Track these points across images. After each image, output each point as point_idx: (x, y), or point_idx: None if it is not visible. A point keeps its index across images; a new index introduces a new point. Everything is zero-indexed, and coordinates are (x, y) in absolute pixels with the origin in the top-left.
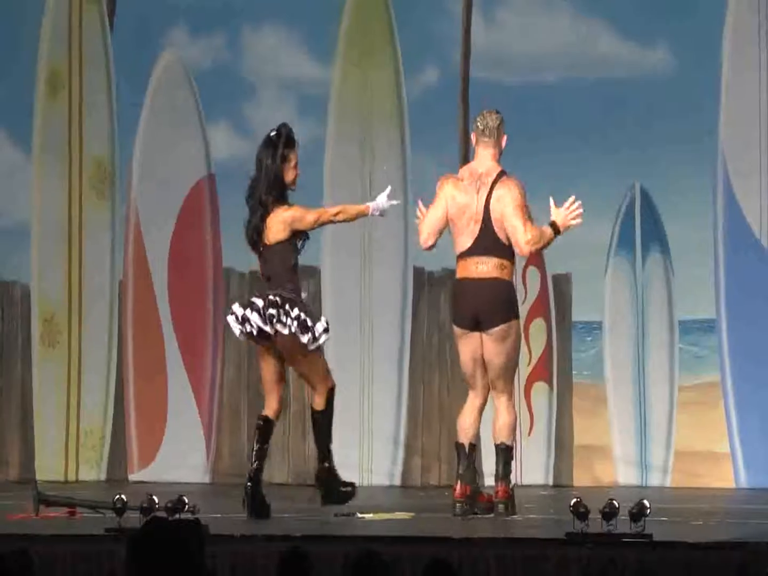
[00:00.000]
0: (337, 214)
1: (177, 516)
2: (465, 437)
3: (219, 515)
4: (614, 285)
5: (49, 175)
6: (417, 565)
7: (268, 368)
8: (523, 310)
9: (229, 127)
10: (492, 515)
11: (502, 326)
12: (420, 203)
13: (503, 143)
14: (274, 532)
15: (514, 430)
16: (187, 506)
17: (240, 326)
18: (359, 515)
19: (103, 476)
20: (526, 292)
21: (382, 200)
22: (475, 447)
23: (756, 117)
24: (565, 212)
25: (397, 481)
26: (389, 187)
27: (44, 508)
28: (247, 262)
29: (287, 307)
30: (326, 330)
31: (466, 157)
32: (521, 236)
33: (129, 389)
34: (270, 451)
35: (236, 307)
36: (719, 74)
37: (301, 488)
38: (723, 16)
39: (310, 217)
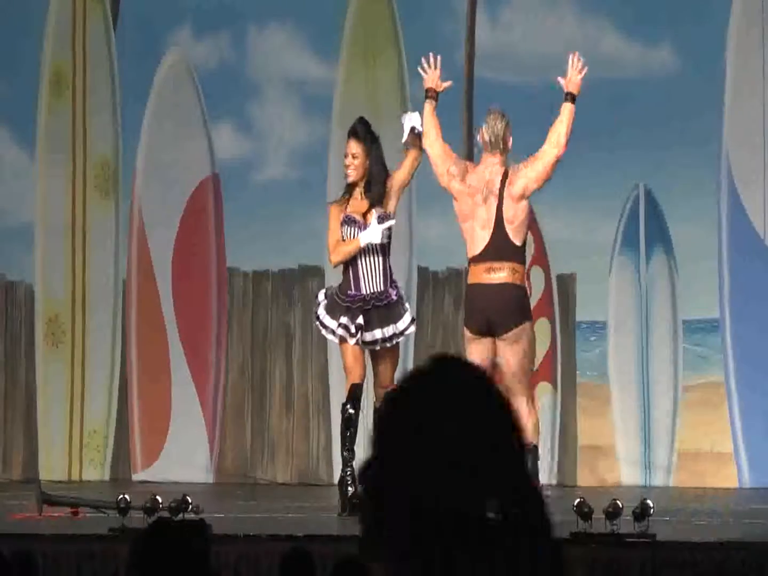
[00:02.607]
0: (337, 257)
1: (181, 516)
2: None
3: (223, 515)
4: (618, 285)
5: (53, 174)
6: None
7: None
8: None
9: (234, 126)
10: None
11: (515, 330)
12: (427, 61)
13: (509, 145)
14: (278, 532)
15: (538, 430)
16: (190, 506)
17: None
18: None
19: (106, 476)
20: (530, 292)
21: (373, 229)
22: None
23: (760, 118)
24: (572, 73)
25: None
26: (374, 213)
27: (48, 508)
28: (251, 261)
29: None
30: (331, 331)
31: (470, 157)
32: (553, 155)
33: (133, 389)
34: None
35: None
36: (724, 76)
37: (304, 488)
38: (728, 18)
39: (330, 229)
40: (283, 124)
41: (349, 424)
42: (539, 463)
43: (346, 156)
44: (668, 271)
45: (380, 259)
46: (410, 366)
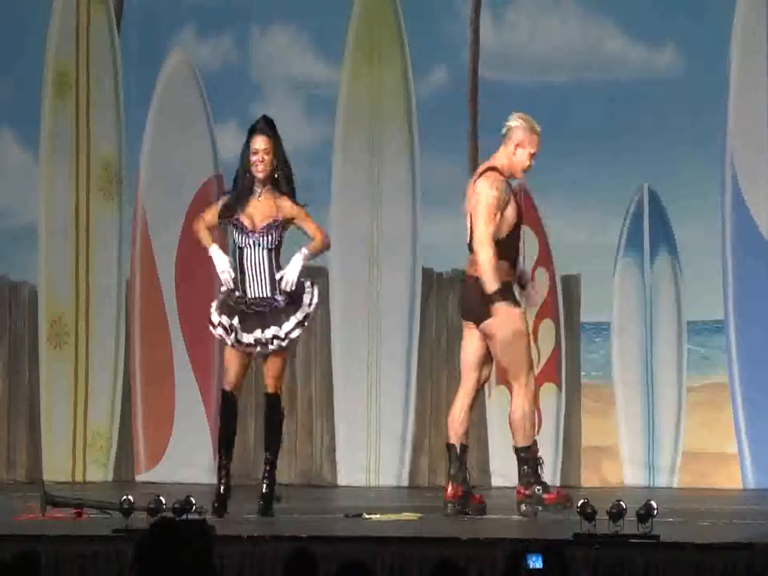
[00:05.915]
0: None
1: (184, 517)
2: (455, 437)
3: (226, 516)
4: (623, 286)
5: (57, 175)
6: (425, 566)
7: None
8: (532, 310)
9: (237, 127)
10: (484, 516)
11: (487, 321)
12: None
13: (511, 149)
14: (281, 533)
15: (525, 428)
16: (194, 507)
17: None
18: (366, 516)
19: (110, 477)
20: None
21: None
22: (466, 447)
23: (764, 118)
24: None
25: (405, 482)
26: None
27: (51, 509)
28: None
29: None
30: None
31: (474, 157)
32: (477, 244)
33: (136, 390)
34: None
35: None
36: (727, 76)
37: (307, 489)
38: (731, 18)
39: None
40: (287, 125)
41: (222, 432)
42: (539, 462)
43: (255, 153)
44: (672, 271)
45: (266, 266)
46: (413, 366)
